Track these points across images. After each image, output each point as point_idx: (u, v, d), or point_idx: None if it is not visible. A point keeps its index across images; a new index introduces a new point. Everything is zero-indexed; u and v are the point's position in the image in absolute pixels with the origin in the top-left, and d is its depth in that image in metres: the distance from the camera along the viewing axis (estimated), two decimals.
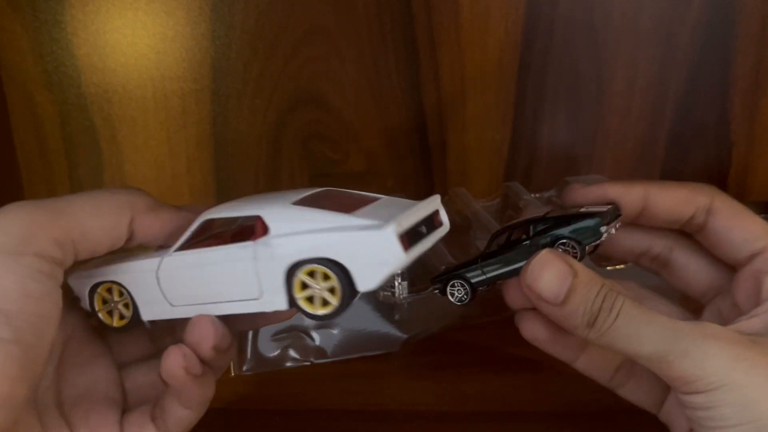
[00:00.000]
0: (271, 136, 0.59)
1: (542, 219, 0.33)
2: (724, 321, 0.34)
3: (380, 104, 0.58)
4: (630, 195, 0.35)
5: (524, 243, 0.33)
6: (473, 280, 0.35)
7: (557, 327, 0.33)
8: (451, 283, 0.36)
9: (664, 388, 0.35)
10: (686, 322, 0.29)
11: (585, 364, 0.35)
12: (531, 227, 0.33)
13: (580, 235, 0.32)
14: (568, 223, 0.32)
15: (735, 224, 0.34)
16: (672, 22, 0.56)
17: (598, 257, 0.45)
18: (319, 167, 0.60)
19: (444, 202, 0.54)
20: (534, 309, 0.33)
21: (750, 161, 0.60)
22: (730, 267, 0.35)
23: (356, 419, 0.35)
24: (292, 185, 0.60)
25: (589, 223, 0.32)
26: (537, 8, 0.55)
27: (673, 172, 0.61)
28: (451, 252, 0.45)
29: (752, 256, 0.33)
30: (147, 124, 0.58)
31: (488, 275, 0.35)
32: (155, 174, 0.60)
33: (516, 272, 0.33)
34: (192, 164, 0.60)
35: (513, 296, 0.34)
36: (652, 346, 0.29)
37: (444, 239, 0.47)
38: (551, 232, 0.33)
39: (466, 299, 0.36)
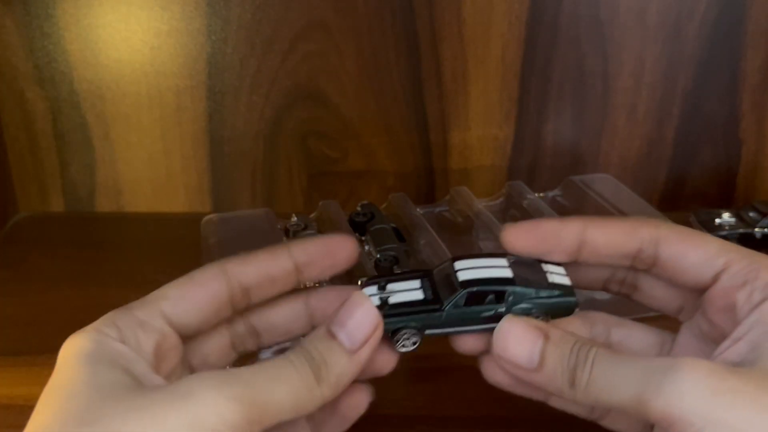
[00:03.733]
0: (269, 134, 0.59)
1: (511, 281, 0.32)
2: (705, 338, 0.33)
3: (380, 101, 0.58)
4: (564, 231, 0.34)
5: (492, 307, 0.32)
6: (428, 332, 0.33)
7: None
8: (404, 332, 0.32)
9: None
10: (660, 359, 0.28)
11: (558, 402, 0.34)
12: (504, 289, 0.32)
13: (554, 311, 0.32)
14: (546, 296, 0.32)
15: (688, 248, 0.32)
16: (680, 17, 0.56)
17: None
18: (318, 165, 0.60)
19: (445, 202, 0.55)
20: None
21: (760, 159, 0.60)
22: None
23: (354, 424, 0.35)
24: (289, 184, 0.60)
25: (568, 302, 0.33)
26: (541, 2, 0.55)
27: (680, 171, 0.60)
28: (453, 252, 0.45)
29: (717, 276, 0.32)
30: (141, 121, 0.58)
31: (446, 330, 0.33)
32: (149, 173, 0.60)
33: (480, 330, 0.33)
34: (187, 162, 0.60)
35: (488, 369, 0.34)
36: (628, 391, 0.28)
37: (445, 239, 0.47)
38: (523, 304, 0.32)
39: (412, 349, 0.33)
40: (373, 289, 0.33)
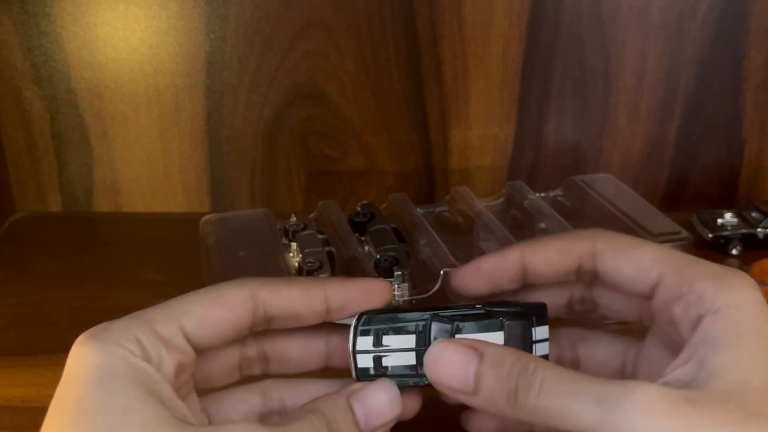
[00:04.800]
0: (268, 133, 0.59)
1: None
2: (665, 346, 0.33)
3: (380, 100, 0.58)
4: (504, 264, 0.35)
5: None
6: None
7: (504, 423, 0.33)
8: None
9: None
10: (617, 386, 0.27)
11: None
12: None
13: None
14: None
15: (623, 261, 0.32)
16: (682, 16, 0.56)
17: None
18: (317, 165, 0.60)
19: (446, 202, 0.54)
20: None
21: (762, 159, 0.60)
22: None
23: None
24: (288, 184, 0.60)
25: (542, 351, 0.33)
26: (542, 1, 0.55)
27: (682, 171, 0.60)
28: (453, 253, 0.45)
29: (653, 289, 0.31)
30: (139, 120, 0.58)
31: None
32: (147, 172, 0.60)
33: None
34: (185, 162, 0.59)
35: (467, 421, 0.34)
36: (582, 423, 0.27)
37: (445, 239, 0.47)
38: None
39: None
40: (368, 342, 0.33)
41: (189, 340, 0.30)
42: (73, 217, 0.60)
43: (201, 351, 0.31)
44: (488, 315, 0.33)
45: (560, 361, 0.36)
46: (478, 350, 0.30)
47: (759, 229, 0.54)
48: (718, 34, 0.56)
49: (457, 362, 0.30)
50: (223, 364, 0.33)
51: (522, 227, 0.51)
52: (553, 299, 0.36)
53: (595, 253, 0.33)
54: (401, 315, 0.33)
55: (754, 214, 0.55)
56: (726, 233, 0.54)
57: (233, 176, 0.60)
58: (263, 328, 0.32)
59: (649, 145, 0.60)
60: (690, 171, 0.60)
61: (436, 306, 0.34)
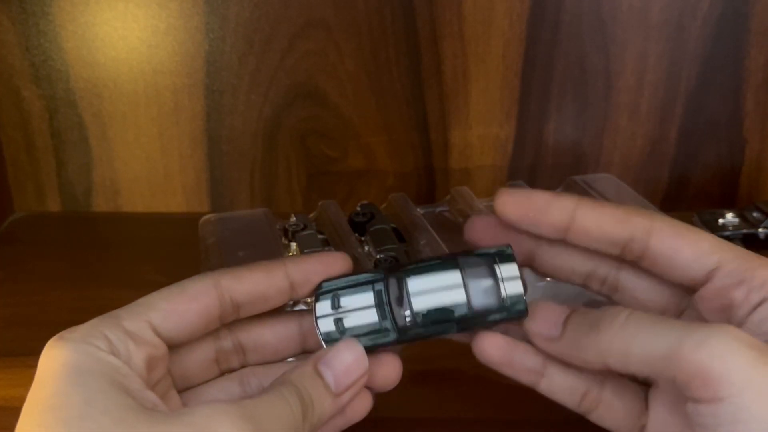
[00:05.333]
0: (267, 133, 0.59)
1: (462, 309, 0.33)
2: None
3: (380, 100, 0.58)
4: (556, 205, 0.33)
5: (443, 330, 0.33)
6: (379, 349, 0.34)
7: (514, 347, 0.33)
8: None
9: (641, 411, 0.33)
10: (696, 322, 0.28)
11: (548, 387, 0.34)
12: (456, 320, 0.33)
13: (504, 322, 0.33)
14: (495, 318, 0.33)
15: (682, 243, 0.32)
16: (683, 15, 0.56)
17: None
18: (317, 165, 0.60)
19: (446, 202, 0.54)
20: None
21: (763, 159, 0.60)
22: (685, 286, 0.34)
23: (356, 427, 0.35)
24: (288, 184, 0.60)
25: (519, 313, 0.33)
26: (543, 0, 0.55)
27: (683, 171, 0.60)
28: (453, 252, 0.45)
29: (710, 274, 0.31)
30: (138, 120, 0.58)
31: (396, 347, 0.34)
32: (147, 172, 0.60)
33: None
34: (185, 162, 0.59)
35: (478, 345, 0.34)
36: (661, 343, 0.27)
37: (446, 239, 0.47)
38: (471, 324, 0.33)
39: None
40: (326, 306, 0.33)
41: (158, 334, 0.30)
42: (72, 217, 0.60)
43: (174, 345, 0.31)
44: (443, 259, 0.34)
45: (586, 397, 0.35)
46: (569, 308, 0.32)
47: (760, 229, 0.54)
48: (719, 33, 0.56)
49: (551, 311, 0.32)
50: (200, 358, 0.34)
51: None
52: (576, 264, 0.35)
53: (652, 230, 0.32)
54: (356, 276, 0.34)
55: (755, 214, 0.55)
56: (727, 233, 0.54)
57: (233, 176, 0.60)
58: (234, 318, 0.33)
59: (649, 145, 0.60)
60: (691, 171, 0.60)
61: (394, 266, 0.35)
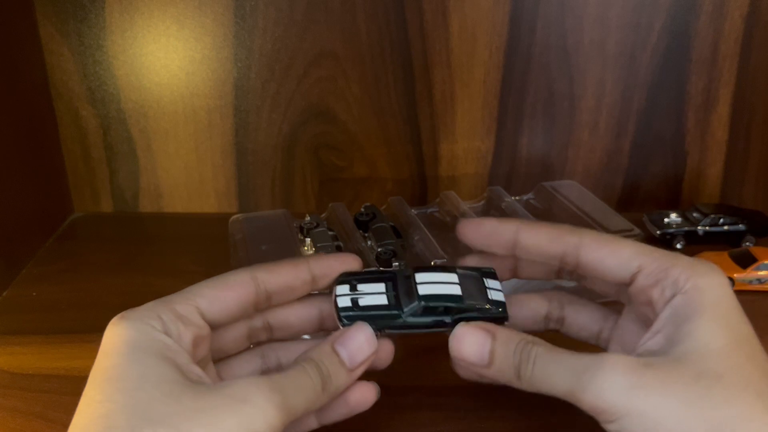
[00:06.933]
0: (286, 146, 0.59)
1: (459, 298, 0.33)
2: (638, 321, 0.33)
3: (380, 118, 0.58)
4: (501, 230, 0.35)
5: (442, 317, 0.33)
6: (387, 330, 0.33)
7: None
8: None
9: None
10: (590, 356, 0.29)
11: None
12: (452, 306, 0.33)
13: (489, 321, 0.33)
14: (483, 312, 0.33)
15: (606, 253, 0.32)
16: (635, 48, 0.56)
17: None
18: (328, 173, 0.60)
19: (436, 204, 0.54)
20: None
21: (702, 168, 0.60)
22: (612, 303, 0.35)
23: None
24: (303, 188, 0.60)
25: (501, 316, 0.33)
26: (517, 35, 0.55)
27: (635, 178, 0.60)
28: (443, 248, 0.45)
29: (633, 277, 0.32)
30: (178, 135, 0.58)
31: (402, 330, 0.33)
32: (185, 179, 0.60)
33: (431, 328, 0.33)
34: (217, 170, 0.59)
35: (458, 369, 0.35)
36: (563, 385, 0.29)
37: (435, 235, 0.47)
38: (466, 315, 0.33)
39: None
40: (345, 289, 0.34)
41: (204, 317, 0.30)
42: (122, 217, 0.60)
43: (215, 326, 0.31)
44: (444, 267, 0.35)
45: (549, 317, 0.37)
46: (491, 332, 0.31)
47: (699, 227, 0.54)
48: (665, 62, 0.56)
49: (475, 341, 0.31)
50: (235, 335, 0.34)
51: None
52: (543, 267, 0.36)
53: (581, 245, 0.33)
54: (371, 270, 0.35)
55: (695, 215, 0.55)
56: (671, 230, 0.54)
57: (257, 182, 0.60)
58: (266, 305, 0.33)
59: (606, 157, 0.60)
60: (641, 178, 0.60)
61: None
